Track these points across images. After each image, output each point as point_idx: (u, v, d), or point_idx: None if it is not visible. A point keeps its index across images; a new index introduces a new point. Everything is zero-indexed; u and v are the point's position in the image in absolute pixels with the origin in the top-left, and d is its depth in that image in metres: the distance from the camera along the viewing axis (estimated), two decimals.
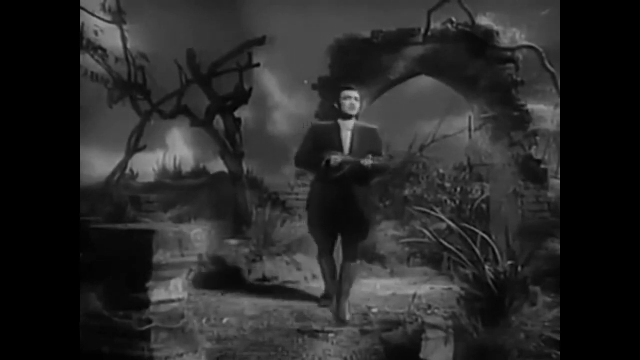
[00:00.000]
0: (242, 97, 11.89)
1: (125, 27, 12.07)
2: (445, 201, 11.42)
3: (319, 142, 5.64)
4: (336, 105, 5.68)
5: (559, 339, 4.83)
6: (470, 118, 10.08)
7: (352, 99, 5.63)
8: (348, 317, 5.69)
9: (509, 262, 5.00)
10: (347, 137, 5.62)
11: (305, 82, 9.80)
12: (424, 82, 10.37)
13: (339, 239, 5.89)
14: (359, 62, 9.29)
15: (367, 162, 5.44)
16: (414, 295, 6.23)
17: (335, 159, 5.43)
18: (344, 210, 5.55)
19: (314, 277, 7.94)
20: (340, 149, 5.57)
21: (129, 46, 12.16)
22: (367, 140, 5.67)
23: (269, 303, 6.69)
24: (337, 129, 5.65)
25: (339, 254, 5.95)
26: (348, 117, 5.66)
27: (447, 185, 12.18)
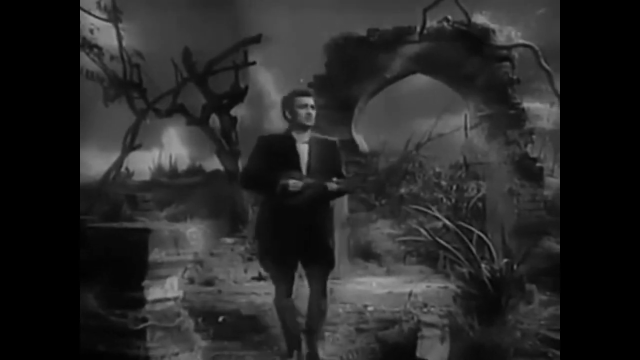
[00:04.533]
0: (238, 95, 11.92)
1: (120, 25, 12.07)
2: (441, 199, 11.44)
3: (270, 157, 4.57)
4: (287, 115, 4.66)
5: (555, 337, 4.85)
6: (466, 116, 10.09)
7: (309, 107, 4.60)
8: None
9: (505, 260, 5.01)
10: (304, 151, 4.60)
11: (301, 80, 9.78)
12: (420, 80, 10.36)
13: (297, 274, 4.80)
14: (354, 61, 9.28)
15: (333, 186, 4.48)
16: (410, 294, 6.24)
17: (295, 183, 4.41)
18: (306, 239, 4.54)
19: None
20: (296, 166, 4.55)
21: (124, 44, 12.16)
22: (325, 155, 4.67)
23: (265, 301, 6.69)
24: (292, 142, 4.60)
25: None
26: (304, 128, 4.61)
27: (443, 183, 12.21)
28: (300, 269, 4.70)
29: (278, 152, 4.56)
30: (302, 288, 4.79)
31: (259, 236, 4.81)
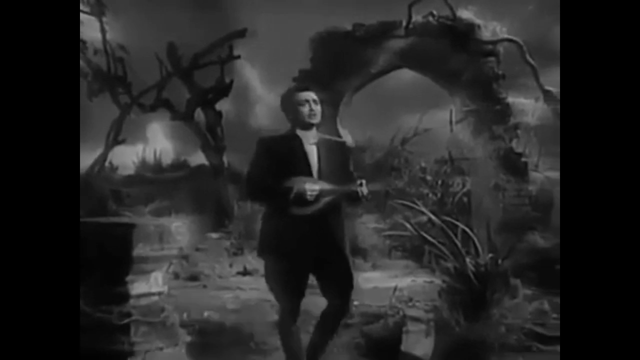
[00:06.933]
0: (222, 89, 11.88)
1: (104, 19, 11.99)
2: (427, 194, 11.46)
3: (275, 161, 4.01)
4: (288, 115, 4.17)
5: (539, 331, 4.89)
6: (451, 111, 10.11)
7: (311, 103, 4.09)
8: None
9: (490, 255, 5.02)
10: (312, 153, 4.08)
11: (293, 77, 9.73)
12: (406, 75, 10.38)
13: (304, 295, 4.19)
14: (340, 55, 9.26)
15: (364, 190, 3.97)
16: (395, 288, 6.24)
17: (312, 190, 3.89)
18: (321, 253, 4.02)
19: None
20: (307, 170, 4.03)
21: (108, 38, 12.09)
22: (335, 158, 4.17)
23: (251, 296, 6.68)
24: (298, 143, 4.08)
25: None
26: (308, 126, 4.11)
27: (429, 178, 12.23)
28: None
29: (284, 154, 4.04)
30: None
31: (264, 252, 4.16)
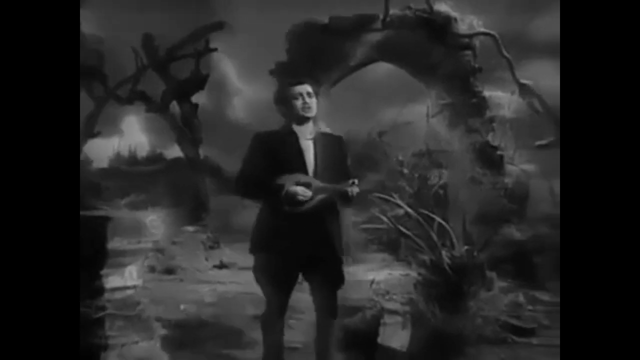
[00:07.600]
0: (198, 82, 11.82)
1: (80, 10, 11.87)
2: (404, 187, 11.48)
3: (269, 157, 3.92)
4: (283, 110, 4.04)
5: (514, 323, 4.94)
6: (428, 106, 10.12)
7: (304, 95, 3.97)
8: None
9: (466, 248, 5.05)
10: (308, 149, 3.98)
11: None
12: (385, 68, 10.37)
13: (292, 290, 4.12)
14: (317, 48, 9.22)
15: (355, 189, 3.88)
16: (372, 281, 6.26)
17: (304, 191, 3.81)
18: (314, 252, 3.94)
19: None
20: (301, 166, 3.93)
21: (83, 30, 11.96)
22: (332, 154, 4.05)
23: (228, 290, 6.68)
24: (294, 138, 3.98)
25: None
26: (304, 120, 3.99)
27: (405, 171, 12.25)
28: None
29: (279, 150, 3.94)
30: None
31: (257, 250, 4.04)
